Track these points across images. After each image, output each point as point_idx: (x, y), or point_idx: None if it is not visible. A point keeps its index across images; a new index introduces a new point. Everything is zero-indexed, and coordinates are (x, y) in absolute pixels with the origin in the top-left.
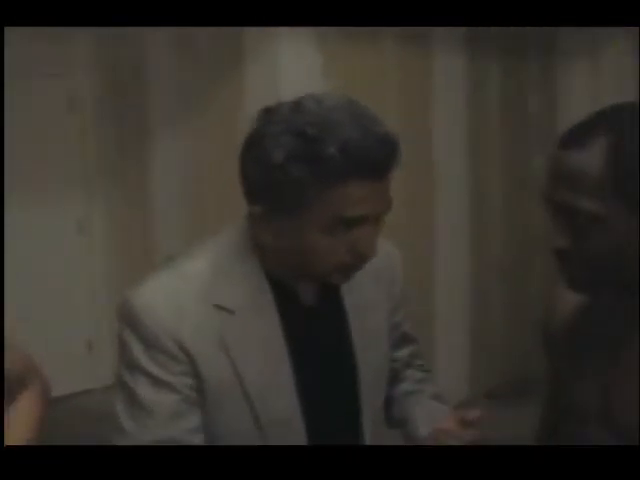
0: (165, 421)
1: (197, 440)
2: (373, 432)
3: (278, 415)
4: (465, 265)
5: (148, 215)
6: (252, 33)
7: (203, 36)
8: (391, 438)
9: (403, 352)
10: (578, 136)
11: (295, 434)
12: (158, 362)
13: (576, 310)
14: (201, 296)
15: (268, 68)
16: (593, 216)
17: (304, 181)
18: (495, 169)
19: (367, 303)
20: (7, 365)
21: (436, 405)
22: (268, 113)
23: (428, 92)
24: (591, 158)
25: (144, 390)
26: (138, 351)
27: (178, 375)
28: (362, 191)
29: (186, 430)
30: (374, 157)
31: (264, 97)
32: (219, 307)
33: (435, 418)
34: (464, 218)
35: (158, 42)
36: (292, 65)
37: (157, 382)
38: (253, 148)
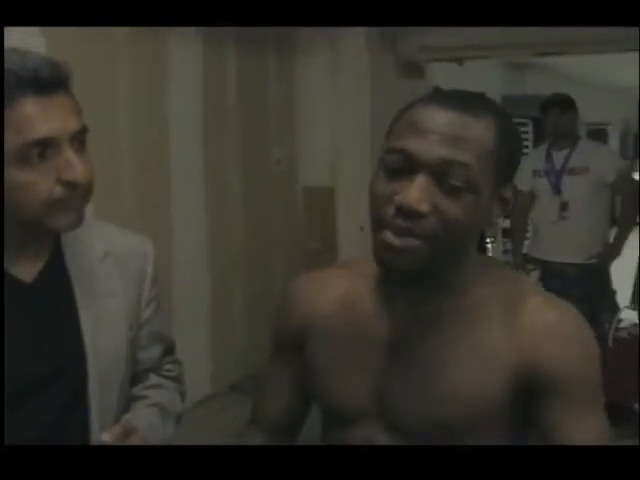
0: None
1: None
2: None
3: None
4: (204, 257)
5: None
6: None
7: None
8: None
9: (151, 353)
10: (471, 104)
11: None
12: None
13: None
14: None
15: None
16: (474, 183)
17: None
18: (234, 161)
19: (101, 290)
20: None
21: (145, 414)
22: None
23: (162, 84)
24: (487, 130)
25: None
26: None
27: None
28: (37, 109)
29: None
30: (37, 74)
31: None
32: None
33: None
34: (202, 211)
35: None
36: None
37: None
38: None
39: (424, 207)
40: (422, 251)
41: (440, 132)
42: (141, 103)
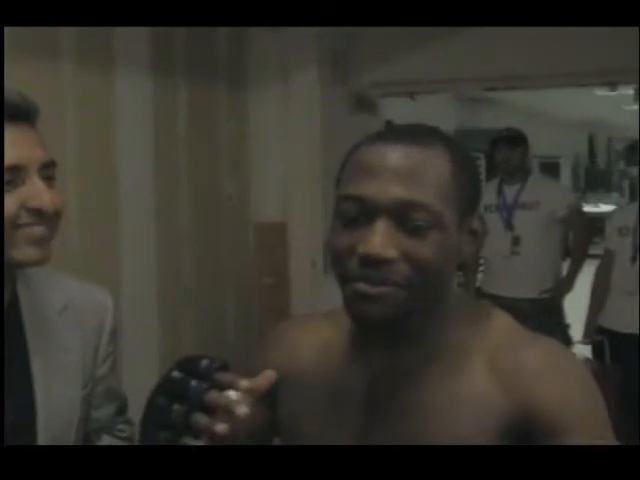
0: None
1: None
2: None
3: None
4: (153, 294)
5: None
6: None
7: None
8: None
9: (105, 412)
10: (417, 134)
11: None
12: None
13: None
14: None
15: None
16: (438, 219)
17: None
18: (184, 197)
19: (57, 344)
20: None
21: None
22: None
23: (112, 118)
24: (439, 160)
25: None
26: None
27: None
28: (7, 136)
29: None
30: (8, 103)
31: None
32: None
33: None
34: (152, 247)
35: None
36: None
37: None
38: None
39: (390, 253)
40: (398, 298)
41: (391, 170)
42: (89, 139)
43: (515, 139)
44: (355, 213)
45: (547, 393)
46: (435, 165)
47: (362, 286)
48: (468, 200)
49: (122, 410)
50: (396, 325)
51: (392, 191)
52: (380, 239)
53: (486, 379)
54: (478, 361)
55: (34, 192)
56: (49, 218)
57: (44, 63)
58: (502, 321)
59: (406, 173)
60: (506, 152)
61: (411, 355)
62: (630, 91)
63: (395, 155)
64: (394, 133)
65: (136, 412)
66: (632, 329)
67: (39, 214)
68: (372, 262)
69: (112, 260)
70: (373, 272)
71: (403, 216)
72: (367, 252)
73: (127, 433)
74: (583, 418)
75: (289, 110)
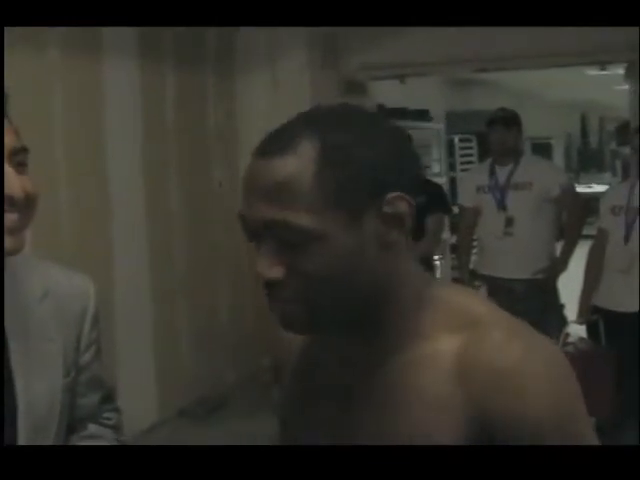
0: None
1: None
2: None
3: None
4: (147, 281)
5: None
6: None
7: None
8: None
9: (90, 399)
10: (280, 141)
11: None
12: None
13: (301, 352)
14: None
15: None
16: (309, 233)
17: None
18: (174, 184)
19: (37, 333)
20: None
21: None
22: None
23: (100, 105)
24: (298, 166)
25: None
26: None
27: None
28: None
29: None
30: None
31: None
32: None
33: None
34: (143, 235)
35: None
36: None
37: None
38: None
39: (273, 273)
40: (302, 314)
41: (256, 190)
42: (77, 126)
43: (509, 119)
44: (246, 229)
45: (503, 404)
46: (295, 173)
47: (270, 305)
48: (359, 189)
49: (108, 398)
50: (322, 328)
51: (259, 212)
52: (263, 260)
53: (448, 376)
54: (443, 356)
55: (5, 178)
56: (21, 205)
57: (31, 50)
58: (479, 311)
59: (267, 191)
60: (502, 133)
61: (367, 349)
62: (620, 71)
63: (258, 173)
64: (263, 145)
65: (128, 399)
66: (626, 308)
67: (10, 201)
68: (263, 282)
69: (104, 248)
70: (269, 292)
71: (278, 234)
72: (257, 273)
73: (114, 421)
74: (546, 429)
75: (278, 95)
